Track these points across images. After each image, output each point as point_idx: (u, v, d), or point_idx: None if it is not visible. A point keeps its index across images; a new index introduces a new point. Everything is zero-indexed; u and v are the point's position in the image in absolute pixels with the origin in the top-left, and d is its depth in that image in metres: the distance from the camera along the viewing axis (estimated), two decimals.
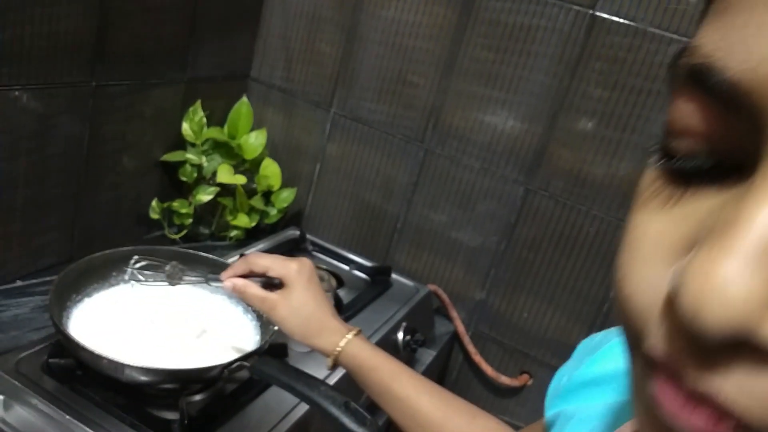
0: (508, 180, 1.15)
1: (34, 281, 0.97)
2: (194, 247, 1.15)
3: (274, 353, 0.77)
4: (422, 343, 1.05)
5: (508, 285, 1.20)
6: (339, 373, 0.85)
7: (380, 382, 0.65)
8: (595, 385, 0.45)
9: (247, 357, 0.66)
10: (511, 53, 1.10)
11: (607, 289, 1.11)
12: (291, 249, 1.22)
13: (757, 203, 0.16)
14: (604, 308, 1.12)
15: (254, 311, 0.83)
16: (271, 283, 0.69)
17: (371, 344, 0.68)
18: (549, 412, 0.50)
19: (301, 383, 0.61)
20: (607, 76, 1.04)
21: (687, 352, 0.17)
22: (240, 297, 0.70)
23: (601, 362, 0.46)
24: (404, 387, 0.65)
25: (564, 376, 0.50)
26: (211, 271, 0.78)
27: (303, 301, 0.68)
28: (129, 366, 0.64)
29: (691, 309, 0.16)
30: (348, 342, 0.66)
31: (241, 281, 0.69)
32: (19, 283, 0.96)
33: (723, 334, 0.16)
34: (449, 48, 1.15)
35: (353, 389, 0.90)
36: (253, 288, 0.68)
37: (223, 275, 0.70)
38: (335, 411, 0.58)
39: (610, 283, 1.11)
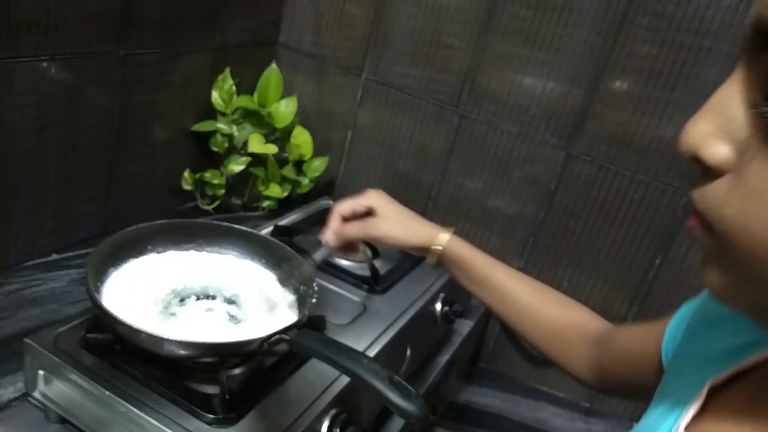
0: (548, 145, 1.11)
1: (69, 254, 0.97)
2: (227, 219, 1.14)
3: (312, 326, 0.75)
4: (460, 314, 1.03)
5: (548, 254, 1.16)
6: (378, 345, 0.83)
7: (480, 272, 0.73)
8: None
9: (286, 330, 0.64)
10: (552, 10, 1.04)
11: (653, 257, 1.07)
12: (325, 219, 1.19)
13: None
14: (649, 277, 1.08)
15: (292, 285, 0.81)
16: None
17: (466, 241, 0.76)
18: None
19: (342, 356, 0.59)
20: (654, 32, 0.98)
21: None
22: (345, 239, 0.76)
23: None
24: (501, 276, 0.73)
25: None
26: (285, 251, 0.80)
27: (397, 211, 0.76)
28: (168, 340, 0.63)
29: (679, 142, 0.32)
30: (450, 238, 0.74)
31: (332, 229, 0.76)
32: (54, 256, 0.96)
33: (684, 149, 0.32)
34: (485, 5, 1.09)
35: (393, 363, 0.88)
36: (348, 226, 0.75)
37: (322, 238, 0.77)
38: (379, 385, 0.55)
39: (657, 250, 1.06)
